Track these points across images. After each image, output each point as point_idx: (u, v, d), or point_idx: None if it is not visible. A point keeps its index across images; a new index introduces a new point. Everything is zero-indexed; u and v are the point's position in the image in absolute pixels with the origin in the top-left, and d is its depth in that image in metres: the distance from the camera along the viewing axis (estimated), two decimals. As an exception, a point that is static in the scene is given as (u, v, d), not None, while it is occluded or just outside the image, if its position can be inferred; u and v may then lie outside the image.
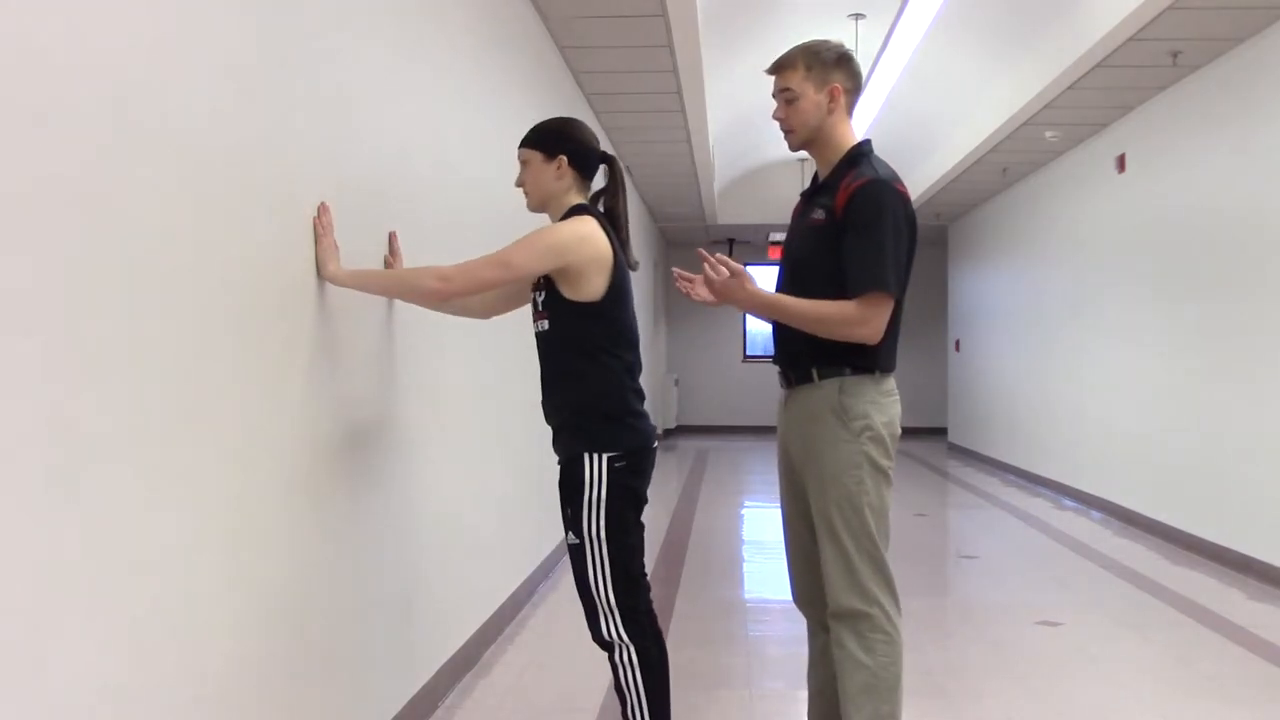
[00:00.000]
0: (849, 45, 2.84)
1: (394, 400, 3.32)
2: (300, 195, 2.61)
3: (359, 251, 3.02)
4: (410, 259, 3.48)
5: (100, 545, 1.81)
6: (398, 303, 3.35)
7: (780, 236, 13.42)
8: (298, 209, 2.60)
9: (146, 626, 1.95)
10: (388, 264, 3.10)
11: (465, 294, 2.75)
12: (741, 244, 16.30)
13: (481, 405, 4.48)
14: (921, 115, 10.08)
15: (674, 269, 2.94)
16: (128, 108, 1.89)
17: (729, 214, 13.87)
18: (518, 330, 5.08)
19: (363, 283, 2.77)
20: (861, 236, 2.61)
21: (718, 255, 2.71)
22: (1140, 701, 3.82)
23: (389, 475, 3.26)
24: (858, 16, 7.73)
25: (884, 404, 2.69)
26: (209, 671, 2.17)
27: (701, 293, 2.77)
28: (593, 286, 2.65)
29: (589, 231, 2.67)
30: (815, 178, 2.87)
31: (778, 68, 2.75)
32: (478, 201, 4.40)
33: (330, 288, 2.78)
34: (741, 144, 11.63)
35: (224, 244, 2.22)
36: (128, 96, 1.89)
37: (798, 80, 2.71)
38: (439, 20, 3.84)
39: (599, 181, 2.90)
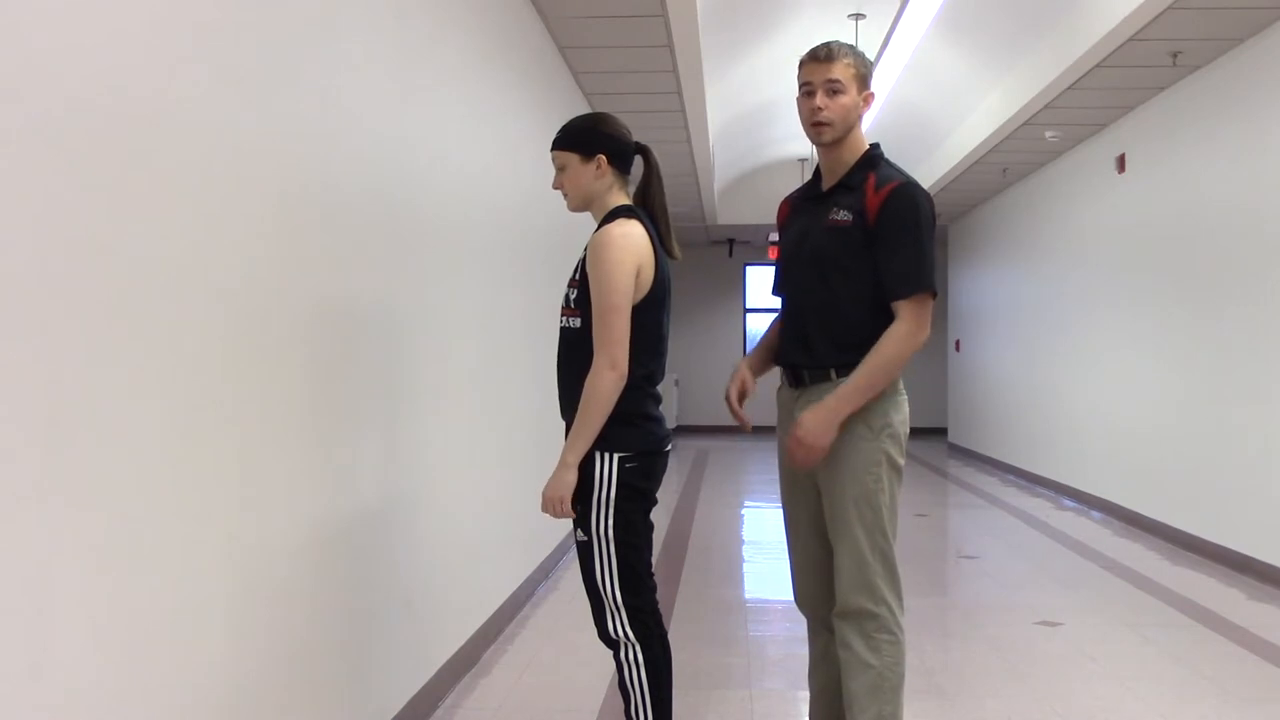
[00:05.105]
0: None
1: (395, 401, 3.32)
2: (301, 195, 2.61)
3: (355, 251, 3.02)
4: (410, 257, 3.49)
5: (99, 547, 1.81)
6: (397, 304, 3.35)
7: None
8: (298, 210, 2.60)
9: (145, 628, 1.95)
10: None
11: (626, 358, 2.60)
12: (741, 244, 16.30)
13: (482, 406, 4.48)
14: (921, 115, 10.08)
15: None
16: (125, 110, 1.89)
17: (729, 214, 13.88)
18: (519, 332, 5.09)
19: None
20: (901, 239, 2.64)
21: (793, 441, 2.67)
22: (1140, 701, 3.82)
23: (389, 476, 3.26)
24: (858, 16, 7.73)
25: (898, 402, 2.72)
26: (208, 673, 2.17)
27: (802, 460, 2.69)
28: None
29: (635, 233, 2.64)
30: (817, 178, 2.87)
31: (829, 57, 2.69)
32: (478, 200, 4.40)
33: (328, 290, 2.79)
34: (741, 144, 11.63)
35: (223, 247, 2.22)
36: (124, 99, 1.89)
37: (848, 76, 2.70)
38: (439, 20, 3.84)
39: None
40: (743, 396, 2.93)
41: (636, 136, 2.82)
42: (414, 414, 3.50)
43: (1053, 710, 3.72)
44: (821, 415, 2.63)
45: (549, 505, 2.63)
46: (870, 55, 7.42)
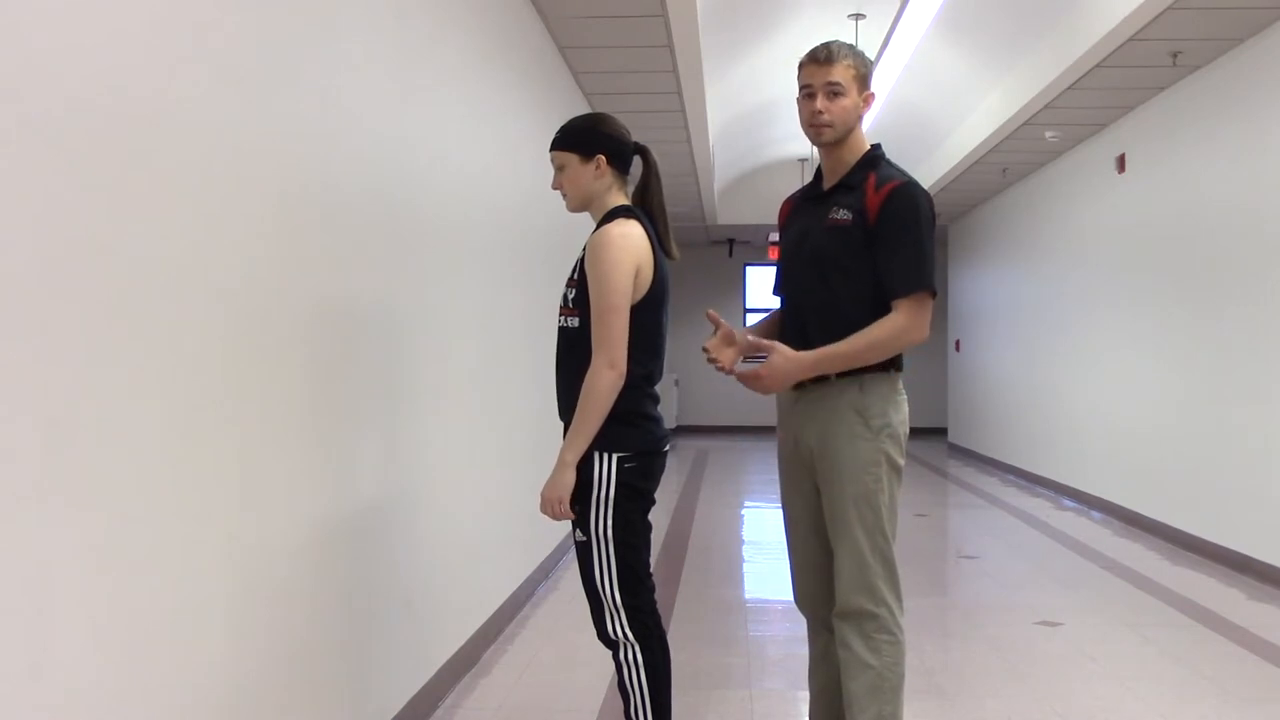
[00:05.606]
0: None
1: (395, 401, 3.32)
2: (301, 195, 2.61)
3: (355, 251, 3.03)
4: (411, 257, 3.49)
5: (99, 547, 1.81)
6: (399, 306, 3.35)
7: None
8: (298, 209, 2.60)
9: (145, 628, 1.95)
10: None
11: (624, 358, 2.61)
12: (741, 244, 16.30)
13: (482, 406, 4.48)
14: (921, 115, 10.08)
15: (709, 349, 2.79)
16: (125, 110, 1.89)
17: (729, 214, 13.88)
18: (519, 332, 5.09)
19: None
20: (901, 239, 2.64)
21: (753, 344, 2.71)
22: (1140, 701, 3.82)
23: (389, 475, 3.26)
24: (858, 16, 7.73)
25: (898, 402, 2.72)
26: (208, 673, 2.17)
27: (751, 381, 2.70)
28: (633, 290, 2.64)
29: (634, 233, 2.65)
30: (818, 178, 2.87)
31: (829, 59, 2.68)
32: (478, 200, 4.40)
33: (328, 290, 2.79)
34: (741, 144, 11.63)
35: (223, 247, 2.22)
36: (124, 99, 1.89)
37: (848, 77, 2.69)
38: (439, 20, 3.84)
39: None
40: (729, 343, 2.79)
41: (636, 136, 2.82)
42: (414, 414, 3.50)
43: (1053, 710, 3.72)
44: (790, 368, 2.63)
45: (548, 506, 2.63)
46: (870, 55, 7.42)
